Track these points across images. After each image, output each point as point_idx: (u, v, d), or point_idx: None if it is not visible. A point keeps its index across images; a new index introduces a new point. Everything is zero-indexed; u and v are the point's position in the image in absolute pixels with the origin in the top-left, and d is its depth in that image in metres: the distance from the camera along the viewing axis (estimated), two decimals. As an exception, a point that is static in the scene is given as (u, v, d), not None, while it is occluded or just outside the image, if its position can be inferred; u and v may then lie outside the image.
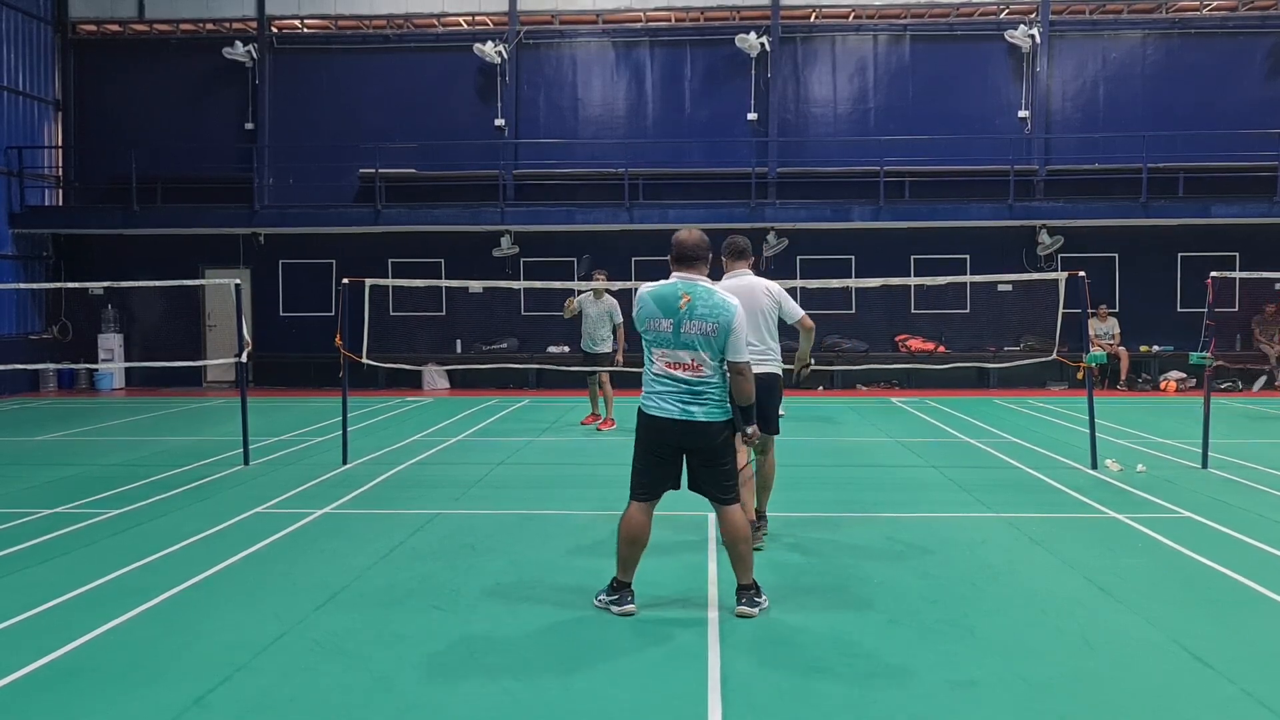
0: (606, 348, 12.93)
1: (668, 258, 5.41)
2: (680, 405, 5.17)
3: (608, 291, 12.95)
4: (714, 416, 5.21)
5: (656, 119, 20.51)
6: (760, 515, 7.02)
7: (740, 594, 5.31)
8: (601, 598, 5.43)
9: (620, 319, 12.87)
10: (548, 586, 5.87)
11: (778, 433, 6.96)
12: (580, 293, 13.30)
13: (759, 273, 7.04)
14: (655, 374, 5.25)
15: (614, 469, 9.58)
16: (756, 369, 6.38)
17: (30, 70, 20.39)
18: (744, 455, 6.54)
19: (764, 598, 5.38)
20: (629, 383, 14.75)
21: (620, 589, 5.37)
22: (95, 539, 7.08)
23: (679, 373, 5.19)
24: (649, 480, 5.32)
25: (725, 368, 5.26)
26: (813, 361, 7.29)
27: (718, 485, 5.29)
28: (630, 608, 5.29)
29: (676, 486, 5.40)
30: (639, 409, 5.33)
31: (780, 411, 14.12)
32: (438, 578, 6.05)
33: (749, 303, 6.47)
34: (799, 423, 13.61)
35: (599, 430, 12.85)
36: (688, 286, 5.22)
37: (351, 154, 19.82)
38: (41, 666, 4.58)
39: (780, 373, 6.86)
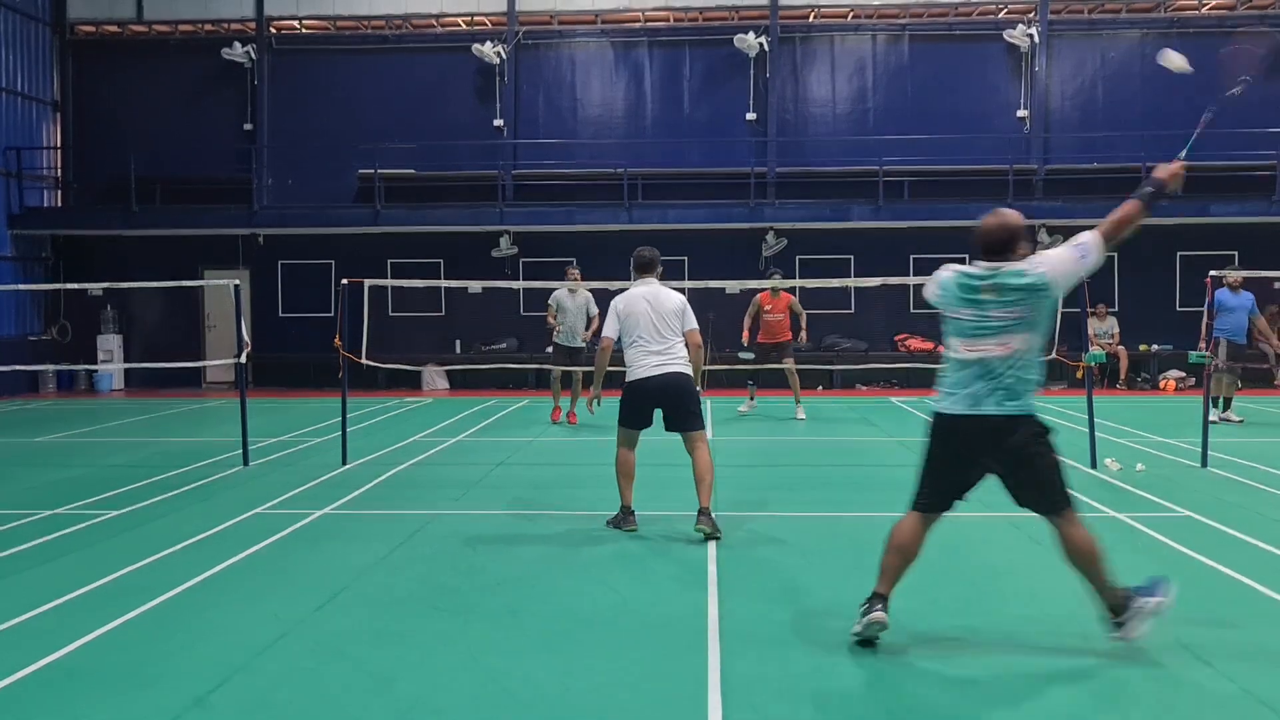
0: (583, 341, 13.20)
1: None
2: (971, 398, 4.58)
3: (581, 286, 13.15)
4: (1008, 409, 4.60)
5: (655, 119, 20.52)
6: (703, 510, 6.93)
7: (1123, 606, 4.64)
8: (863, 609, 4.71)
9: (596, 310, 13.09)
10: (546, 587, 5.86)
11: (702, 428, 7.15)
12: (556, 294, 13.45)
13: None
14: (953, 365, 4.64)
15: (612, 469, 9.55)
16: (669, 368, 6.97)
17: (29, 71, 20.40)
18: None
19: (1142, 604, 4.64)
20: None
21: (874, 599, 4.72)
22: (95, 540, 7.08)
23: (978, 354, 4.55)
24: (933, 489, 4.82)
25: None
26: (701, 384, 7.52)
27: (1039, 494, 4.74)
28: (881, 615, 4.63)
29: (961, 496, 4.88)
30: (934, 411, 4.81)
31: (745, 409, 14.02)
32: (438, 578, 6.05)
33: (657, 304, 7.06)
34: (798, 424, 13.61)
35: (570, 423, 13.07)
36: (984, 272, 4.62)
37: (350, 154, 19.83)
38: (41, 667, 4.57)
39: (690, 373, 7.11)
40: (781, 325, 14.08)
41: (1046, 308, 4.61)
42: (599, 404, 7.76)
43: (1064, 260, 4.58)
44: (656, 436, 7.40)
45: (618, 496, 7.37)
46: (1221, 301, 12.64)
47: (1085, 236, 4.59)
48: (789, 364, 14.04)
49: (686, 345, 7.13)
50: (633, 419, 7.17)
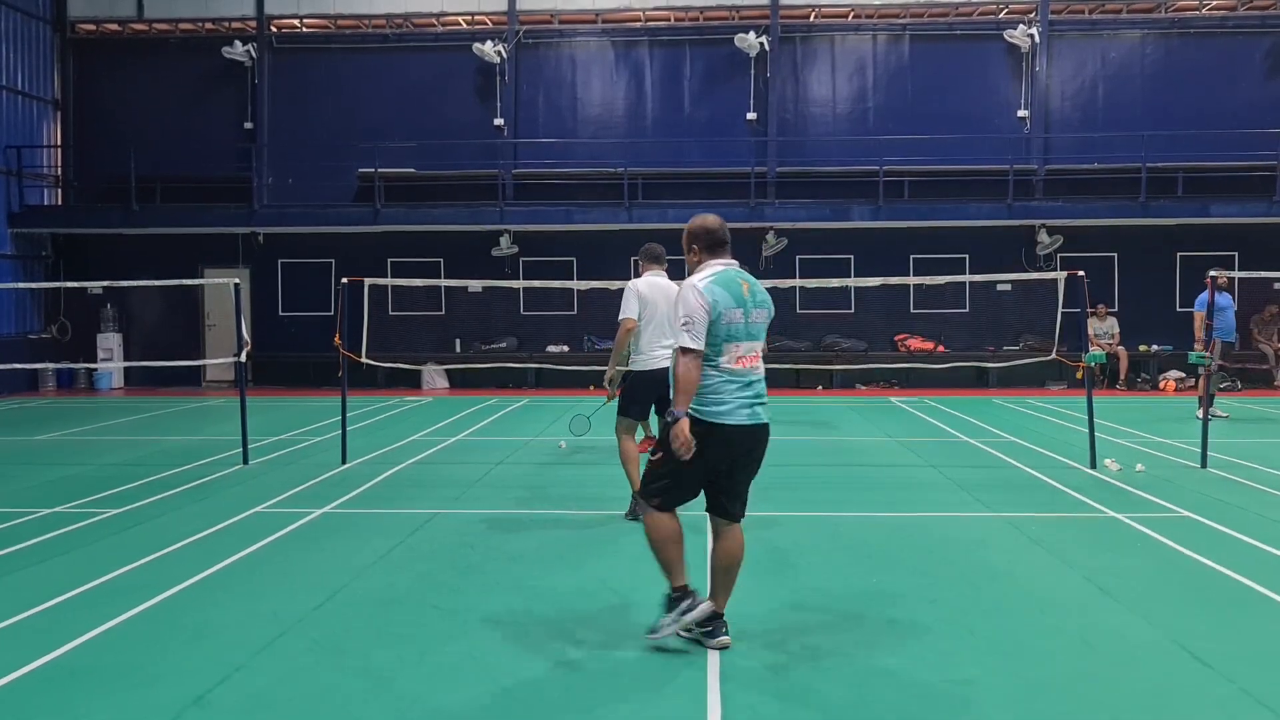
0: None
1: (693, 245, 4.88)
2: (751, 409, 4.69)
3: None
4: (768, 416, 4.80)
5: (656, 119, 20.51)
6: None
7: (719, 623, 4.83)
8: (669, 621, 4.78)
9: None
10: (546, 586, 5.87)
11: None
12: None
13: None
14: (726, 374, 4.66)
15: (612, 468, 9.57)
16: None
17: (29, 70, 20.39)
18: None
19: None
20: (570, 382, 14.84)
21: (684, 594, 4.81)
22: (95, 538, 7.08)
23: (747, 366, 4.70)
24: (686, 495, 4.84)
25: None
26: None
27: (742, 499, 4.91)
28: (725, 639, 4.75)
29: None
30: (695, 419, 4.63)
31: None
32: (437, 577, 6.05)
33: (667, 301, 7.18)
34: (798, 424, 13.61)
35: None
36: (740, 274, 4.81)
37: (350, 153, 19.82)
38: (41, 666, 4.58)
39: None
40: None
41: None
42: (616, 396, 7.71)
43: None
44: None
45: (618, 495, 7.37)
46: (1215, 302, 12.68)
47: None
48: None
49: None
50: (635, 409, 7.40)
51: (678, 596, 4.80)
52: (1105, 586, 5.77)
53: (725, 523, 4.87)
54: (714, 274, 4.73)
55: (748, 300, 4.71)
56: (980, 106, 20.00)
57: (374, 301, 11.90)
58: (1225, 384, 17.88)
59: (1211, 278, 10.96)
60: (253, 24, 20.70)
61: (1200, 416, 12.77)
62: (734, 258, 4.90)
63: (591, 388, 12.38)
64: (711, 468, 4.72)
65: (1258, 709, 4.08)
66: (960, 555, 6.55)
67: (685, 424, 4.60)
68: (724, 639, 4.76)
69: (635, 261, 18.67)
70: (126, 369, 20.06)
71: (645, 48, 20.55)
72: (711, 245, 4.84)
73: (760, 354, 4.80)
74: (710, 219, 4.91)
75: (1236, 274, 12.39)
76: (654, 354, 7.20)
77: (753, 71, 20.08)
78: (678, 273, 5.52)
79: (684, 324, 4.60)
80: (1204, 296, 12.53)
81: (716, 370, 4.66)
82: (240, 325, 10.77)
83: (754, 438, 4.72)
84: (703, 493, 4.87)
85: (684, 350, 4.61)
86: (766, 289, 5.03)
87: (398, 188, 19.79)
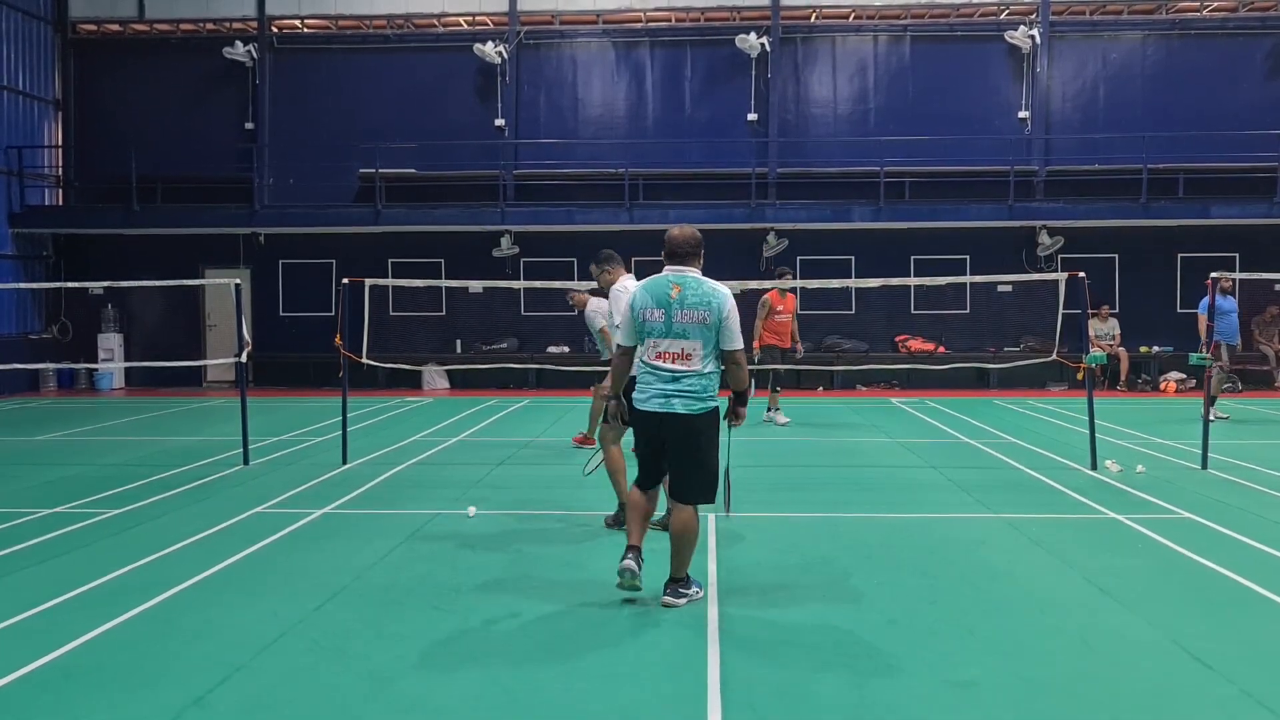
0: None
1: (662, 256, 5.56)
2: (666, 399, 5.30)
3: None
4: (693, 409, 5.30)
5: (656, 119, 20.52)
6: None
7: (679, 582, 5.54)
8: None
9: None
10: (547, 586, 5.87)
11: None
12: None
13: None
14: (647, 366, 5.40)
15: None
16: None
17: (30, 70, 20.40)
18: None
19: (694, 589, 5.56)
20: (573, 383, 14.62)
21: (634, 551, 5.51)
22: (95, 539, 7.08)
23: (666, 363, 5.31)
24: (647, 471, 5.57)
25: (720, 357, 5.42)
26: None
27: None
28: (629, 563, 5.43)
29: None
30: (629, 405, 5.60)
31: (784, 420, 13.86)
32: (437, 577, 6.05)
33: None
34: (799, 425, 13.61)
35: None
36: (678, 278, 5.35)
37: (351, 154, 19.83)
38: (41, 666, 4.58)
39: None
40: (788, 327, 13.57)
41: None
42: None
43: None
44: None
45: (613, 498, 7.37)
46: (1218, 305, 12.67)
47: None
48: (781, 370, 13.70)
49: None
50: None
51: (631, 550, 5.49)
52: (1105, 587, 5.77)
53: (677, 504, 5.45)
54: (650, 279, 5.45)
55: (674, 302, 5.25)
56: (981, 107, 20.01)
57: (375, 302, 11.90)
58: (1226, 385, 17.87)
59: (1213, 280, 10.96)
60: (254, 24, 20.71)
61: (1210, 418, 12.76)
62: (692, 264, 5.41)
63: (592, 388, 12.06)
64: (648, 447, 5.45)
65: (1258, 709, 4.08)
66: (960, 556, 6.55)
67: (614, 405, 5.74)
68: (695, 590, 5.54)
69: (634, 262, 18.89)
70: (127, 369, 20.07)
71: (646, 48, 20.56)
72: (667, 255, 5.46)
73: (692, 354, 5.25)
74: (672, 232, 5.49)
75: (1237, 275, 12.40)
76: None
77: (753, 72, 20.09)
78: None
79: (618, 324, 5.53)
80: (1207, 299, 12.54)
81: (641, 362, 5.43)
82: (241, 325, 10.77)
83: (664, 423, 5.30)
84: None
85: (617, 345, 5.64)
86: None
87: (398, 188, 19.80)
